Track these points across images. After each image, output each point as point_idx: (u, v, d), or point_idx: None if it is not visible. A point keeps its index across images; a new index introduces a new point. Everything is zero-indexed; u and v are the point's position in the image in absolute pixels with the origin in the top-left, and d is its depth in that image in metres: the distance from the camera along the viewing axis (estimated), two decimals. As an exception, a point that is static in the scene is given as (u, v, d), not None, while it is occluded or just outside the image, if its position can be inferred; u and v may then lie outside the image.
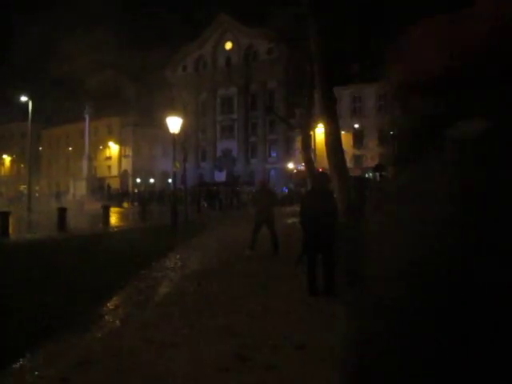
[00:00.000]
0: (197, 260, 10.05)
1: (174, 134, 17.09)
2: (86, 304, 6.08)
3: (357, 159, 46.84)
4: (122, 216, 28.15)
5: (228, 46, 65.39)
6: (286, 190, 43.45)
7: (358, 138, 49.99)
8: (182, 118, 17.72)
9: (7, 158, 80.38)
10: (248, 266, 9.24)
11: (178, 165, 18.90)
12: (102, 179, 54.32)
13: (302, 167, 45.67)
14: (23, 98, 32.72)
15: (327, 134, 18.27)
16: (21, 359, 4.23)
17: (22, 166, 70.51)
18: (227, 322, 5.35)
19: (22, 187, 65.08)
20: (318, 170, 36.38)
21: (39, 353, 4.41)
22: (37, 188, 65.50)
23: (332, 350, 4.44)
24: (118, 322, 5.49)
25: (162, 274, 8.38)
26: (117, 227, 19.23)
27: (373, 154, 48.83)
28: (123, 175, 65.75)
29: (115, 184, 57.95)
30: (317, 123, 38.54)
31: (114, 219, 22.96)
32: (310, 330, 5.10)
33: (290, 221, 20.34)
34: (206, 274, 8.51)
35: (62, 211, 17.75)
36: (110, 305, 6.22)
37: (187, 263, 9.62)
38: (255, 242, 10.37)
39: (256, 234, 10.44)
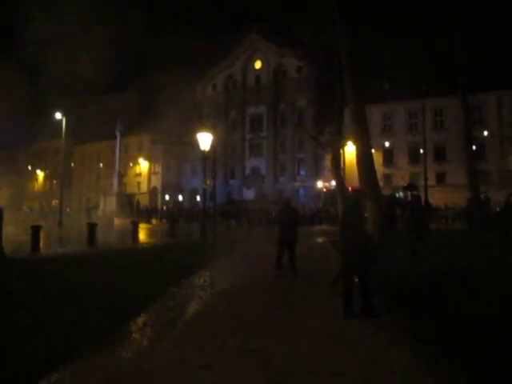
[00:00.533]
0: (226, 278, 9.85)
1: (204, 151, 17.07)
2: (114, 321, 5.94)
3: (387, 178, 46.07)
4: (151, 232, 28.23)
5: (257, 64, 65.87)
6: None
7: (388, 156, 49.29)
8: (212, 135, 17.74)
9: (41, 174, 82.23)
10: (278, 285, 9.00)
11: (208, 182, 18.85)
12: (131, 195, 54.88)
13: (331, 185, 45.24)
14: (58, 115, 33.42)
15: (359, 153, 18.08)
16: (46, 378, 4.10)
17: (55, 181, 71.94)
18: (259, 345, 5.12)
19: (54, 202, 66.34)
20: (348, 188, 35.98)
21: (64, 373, 4.26)
22: (68, 203, 66.70)
23: (373, 377, 4.18)
24: (146, 341, 5.32)
25: (191, 292, 8.21)
26: (146, 243, 19.20)
27: (403, 172, 48.05)
28: (152, 192, 66.36)
29: (144, 200, 58.49)
30: (346, 141, 38.40)
31: (142, 235, 22.98)
32: (347, 354, 4.82)
33: (320, 240, 20.02)
34: (236, 292, 8.31)
35: (92, 226, 17.84)
36: (138, 323, 6.06)
37: (216, 281, 9.43)
38: (280, 261, 10.07)
39: (281, 254, 10.11)
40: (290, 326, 5.96)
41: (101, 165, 70.45)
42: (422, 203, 10.53)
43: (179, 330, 5.77)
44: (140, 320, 6.17)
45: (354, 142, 19.48)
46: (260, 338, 5.37)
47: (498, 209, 28.80)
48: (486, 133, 43.54)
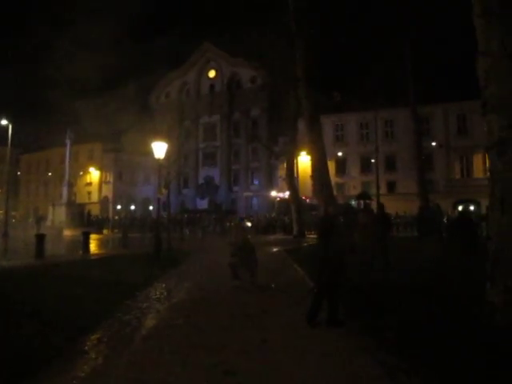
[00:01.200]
0: (183, 289, 9.60)
1: (159, 160, 16.73)
2: (66, 338, 5.60)
3: (339, 187, 46.84)
4: (103, 243, 27.40)
5: (211, 73, 65.75)
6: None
7: (341, 166, 50.20)
8: (166, 144, 17.40)
9: (-17, 183, 78.88)
10: (237, 296, 8.84)
11: (163, 190, 18.48)
12: (81, 205, 53.23)
13: (284, 194, 45.52)
14: (3, 122, 32.01)
15: (314, 162, 18.24)
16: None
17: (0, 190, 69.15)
18: (222, 359, 4.94)
19: (-1, 212, 63.59)
20: (302, 197, 36.16)
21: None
22: (14, 213, 64.03)
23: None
24: (102, 359, 5.03)
25: (148, 305, 7.91)
26: (97, 254, 18.56)
27: (355, 182, 49.02)
28: (103, 201, 64.70)
29: (95, 210, 56.87)
30: (300, 151, 38.80)
31: (94, 246, 22.27)
32: (313, 366, 4.72)
33: (275, 249, 19.99)
34: (194, 304, 8.09)
35: (41, 237, 17.10)
36: (93, 339, 5.74)
37: (173, 293, 9.16)
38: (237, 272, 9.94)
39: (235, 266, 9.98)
40: (252, 337, 5.81)
41: (49, 174, 68.20)
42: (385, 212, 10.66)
43: (136, 346, 5.51)
44: (94, 336, 5.86)
45: (309, 152, 19.68)
46: (222, 352, 5.20)
47: (445, 219, 29.80)
48: (433, 143, 45.09)
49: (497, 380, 4.01)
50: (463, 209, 20.62)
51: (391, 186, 47.05)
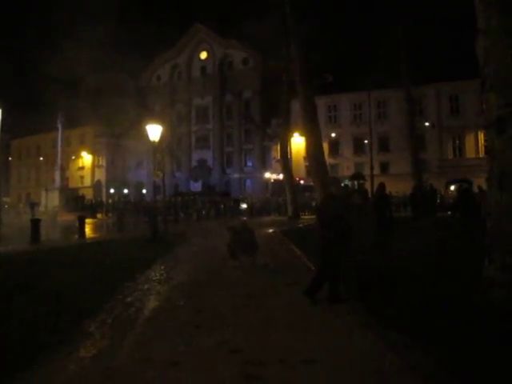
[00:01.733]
0: (182, 271, 9.67)
1: (153, 142, 16.67)
2: (70, 321, 5.64)
3: (333, 168, 46.92)
4: (97, 227, 27.40)
5: (203, 55, 65.10)
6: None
7: (334, 147, 50.22)
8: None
9: (-26, 169, 78.15)
10: (236, 277, 8.91)
11: (159, 173, 18.43)
12: (74, 190, 53.02)
13: (278, 176, 45.58)
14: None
15: (309, 144, 18.25)
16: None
17: (-10, 176, 68.69)
18: (226, 337, 5.02)
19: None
20: (296, 178, 36.23)
21: (24, 377, 4.00)
22: (6, 199, 63.69)
23: (344, 362, 4.18)
24: (108, 339, 5.09)
25: (149, 287, 7.98)
26: (93, 238, 18.59)
27: (348, 162, 49.12)
28: (96, 185, 64.45)
29: (88, 194, 56.64)
30: (293, 133, 38.72)
31: (89, 230, 22.26)
32: (317, 342, 4.81)
33: (270, 230, 20.09)
34: (195, 285, 8.16)
35: (36, 223, 17.09)
36: (97, 321, 5.80)
37: (173, 274, 9.22)
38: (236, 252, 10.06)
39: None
40: (255, 315, 5.89)
41: (41, 159, 67.71)
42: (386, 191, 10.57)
43: (141, 327, 5.57)
44: (98, 318, 5.91)
45: (304, 133, 19.66)
46: (226, 331, 5.27)
47: (439, 196, 29.95)
48: (426, 124, 45.15)
49: (490, 353, 4.11)
50: (464, 187, 20.79)
51: (384, 167, 47.21)
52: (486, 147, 6.03)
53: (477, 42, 5.81)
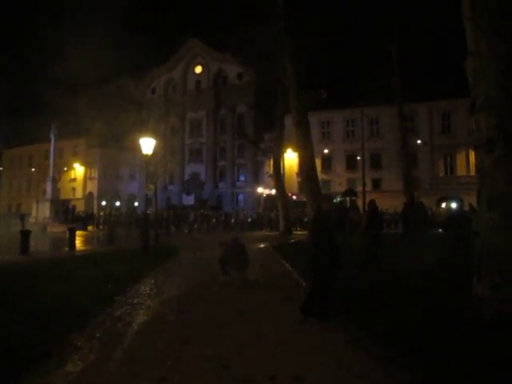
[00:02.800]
0: (173, 285, 9.62)
1: (146, 156, 16.68)
2: (57, 335, 5.58)
3: (325, 184, 47.11)
4: (88, 239, 27.23)
5: (198, 69, 65.52)
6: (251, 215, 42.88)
7: (326, 162, 50.46)
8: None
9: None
10: (226, 292, 8.88)
11: (151, 187, 18.42)
12: (66, 201, 52.73)
13: (271, 191, 45.62)
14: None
15: (302, 159, 18.34)
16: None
17: (-20, 186, 68.32)
18: (216, 352, 5.00)
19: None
20: (288, 195, 36.27)
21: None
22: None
23: (333, 379, 4.18)
24: (96, 354, 5.05)
25: (138, 301, 7.93)
26: (84, 251, 18.47)
27: (340, 179, 49.30)
28: (88, 197, 64.19)
29: (80, 206, 56.38)
30: (286, 148, 38.92)
31: (79, 243, 22.12)
32: (305, 358, 4.80)
33: (262, 245, 20.07)
34: (185, 299, 8.12)
35: (25, 234, 16.97)
36: (85, 335, 5.75)
37: (163, 288, 9.18)
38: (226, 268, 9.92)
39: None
40: (245, 331, 5.88)
41: (33, 169, 67.39)
42: (378, 209, 10.66)
43: (129, 342, 5.53)
44: (86, 332, 5.86)
45: (297, 149, 19.77)
46: (215, 345, 5.25)
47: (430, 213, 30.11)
48: (418, 141, 45.52)
49: (478, 370, 4.14)
50: (458, 206, 21.05)
51: (376, 184, 47.45)
52: (476, 166, 6.11)
53: (467, 64, 5.92)
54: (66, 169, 64.31)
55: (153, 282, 10.08)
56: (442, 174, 47.06)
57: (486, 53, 5.62)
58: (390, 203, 35.00)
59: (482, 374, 4.05)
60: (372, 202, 10.70)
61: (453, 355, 4.50)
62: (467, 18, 5.90)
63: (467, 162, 45.07)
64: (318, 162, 46.03)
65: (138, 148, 17.52)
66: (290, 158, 43.90)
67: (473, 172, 40.31)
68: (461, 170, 45.57)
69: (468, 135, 40.28)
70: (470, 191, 18.33)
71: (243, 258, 9.80)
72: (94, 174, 65.51)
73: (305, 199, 20.55)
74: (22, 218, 37.75)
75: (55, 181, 45.49)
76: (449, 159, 46.93)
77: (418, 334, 5.27)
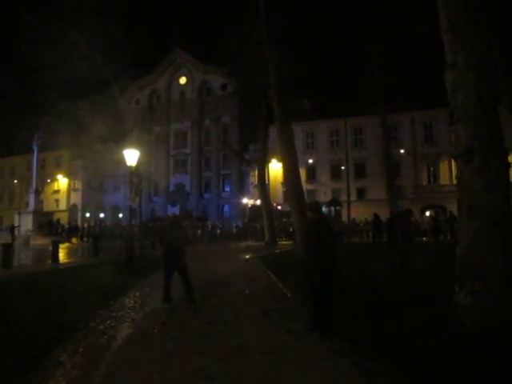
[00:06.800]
0: (157, 298, 9.54)
1: (131, 167, 16.62)
2: (40, 350, 5.52)
3: (310, 194, 47.30)
4: (72, 252, 26.94)
5: (182, 80, 65.58)
6: (237, 225, 42.83)
7: (311, 172, 50.71)
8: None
9: None
10: (210, 302, 8.85)
11: (136, 199, 18.31)
12: (49, 213, 52.14)
13: (256, 201, 45.65)
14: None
15: (286, 170, 18.42)
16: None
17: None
18: (199, 365, 4.98)
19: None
20: (273, 205, 36.31)
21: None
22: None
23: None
24: (78, 369, 5.00)
25: (122, 314, 7.86)
26: (67, 263, 18.26)
27: (325, 188, 49.55)
28: (72, 209, 63.55)
29: (64, 218, 55.75)
30: (270, 158, 39.04)
31: (63, 255, 21.87)
32: (290, 370, 4.80)
33: (247, 256, 20.05)
34: (169, 311, 8.08)
35: (7, 247, 16.75)
36: (68, 349, 5.69)
37: (147, 301, 9.12)
38: (169, 291, 8.86)
39: (168, 282, 8.95)
40: (229, 344, 5.85)
41: (15, 181, 66.58)
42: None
43: (113, 355, 5.49)
44: (69, 346, 5.80)
45: (281, 159, 19.86)
46: (200, 358, 5.22)
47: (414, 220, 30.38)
48: (402, 151, 46.02)
49: (460, 378, 4.19)
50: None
51: (361, 193, 47.79)
52: (456, 176, 6.22)
53: (446, 75, 6.04)
54: (49, 180, 63.66)
55: (137, 294, 10.01)
56: (425, 183, 47.55)
57: (463, 64, 5.75)
58: (376, 211, 35.22)
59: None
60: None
61: (432, 363, 4.55)
62: (445, 31, 6.03)
63: (450, 170, 45.62)
64: (303, 172, 46.28)
65: (122, 159, 17.45)
66: (275, 169, 44.01)
67: (455, 181, 40.72)
68: (444, 179, 46.10)
69: (450, 144, 40.87)
70: (453, 199, 18.58)
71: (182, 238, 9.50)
72: (78, 185, 64.91)
73: (289, 209, 20.61)
74: (12, 230, 37.15)
75: (38, 192, 45.05)
76: (432, 168, 47.47)
77: (401, 342, 5.31)
